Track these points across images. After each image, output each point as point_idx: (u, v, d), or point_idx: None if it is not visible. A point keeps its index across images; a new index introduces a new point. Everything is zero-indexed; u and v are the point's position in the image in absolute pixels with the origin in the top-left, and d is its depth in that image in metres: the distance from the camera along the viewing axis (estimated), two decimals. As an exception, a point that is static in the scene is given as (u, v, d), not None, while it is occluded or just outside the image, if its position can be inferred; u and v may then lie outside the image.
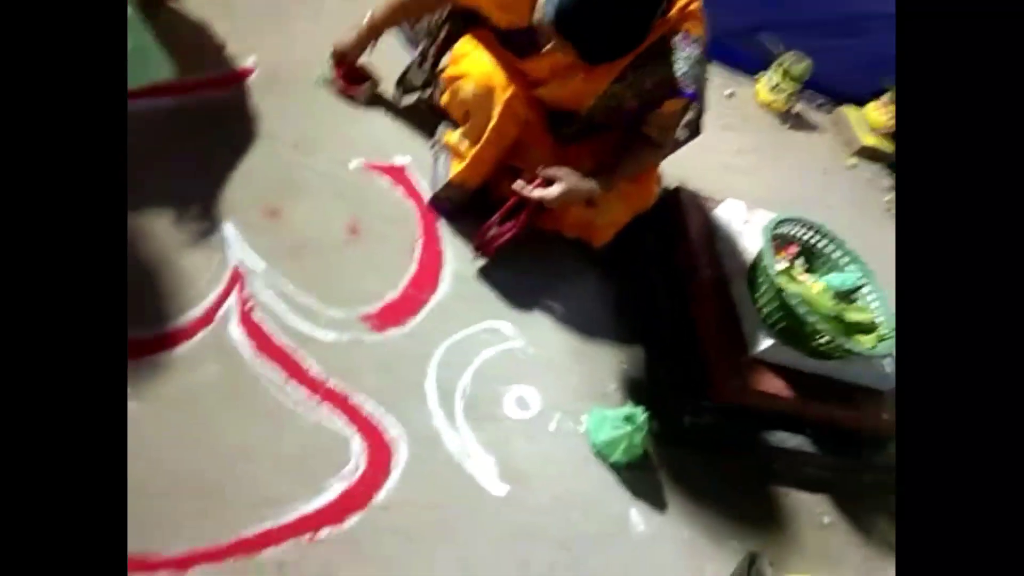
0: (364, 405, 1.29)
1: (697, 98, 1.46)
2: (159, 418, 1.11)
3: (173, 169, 1.39)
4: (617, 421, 1.43)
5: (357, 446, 1.23)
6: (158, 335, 1.18)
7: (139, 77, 1.26)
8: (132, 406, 1.09)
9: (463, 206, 1.63)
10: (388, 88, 1.77)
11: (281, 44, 1.72)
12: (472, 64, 1.47)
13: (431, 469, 1.27)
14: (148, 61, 1.26)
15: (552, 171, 1.44)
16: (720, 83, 2.64)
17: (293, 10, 1.83)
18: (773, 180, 2.45)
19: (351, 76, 1.70)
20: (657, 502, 1.46)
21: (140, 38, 1.22)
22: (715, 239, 1.77)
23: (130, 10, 1.20)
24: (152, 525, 1.02)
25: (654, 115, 1.45)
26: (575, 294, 1.70)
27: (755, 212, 1.80)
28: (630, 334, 1.70)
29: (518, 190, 1.46)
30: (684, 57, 1.37)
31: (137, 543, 0.98)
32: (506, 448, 1.37)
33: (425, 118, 1.73)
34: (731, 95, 2.66)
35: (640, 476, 1.47)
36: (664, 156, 1.60)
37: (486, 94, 1.43)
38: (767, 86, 2.68)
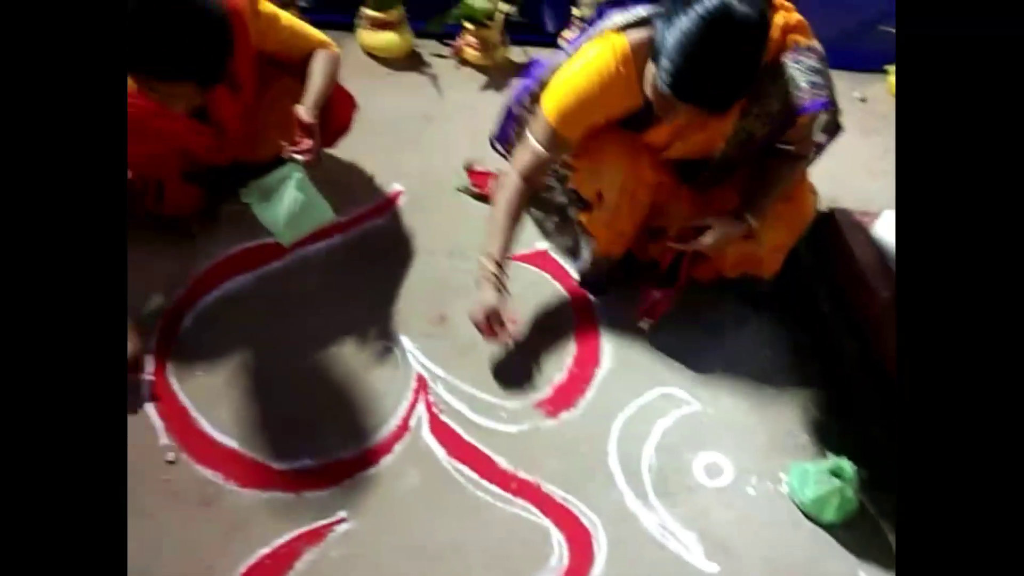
0: (555, 493, 1.31)
1: (829, 103, 1.40)
2: (375, 530, 1.20)
3: (347, 296, 1.54)
4: (822, 475, 1.33)
5: (557, 536, 1.25)
6: (362, 453, 1.29)
7: (308, 226, 1.44)
8: (352, 525, 1.19)
9: (610, 279, 1.65)
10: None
11: (420, 166, 1.89)
12: (596, 148, 1.48)
13: (634, 553, 1.25)
14: (315, 211, 1.43)
15: (699, 220, 1.43)
16: (847, 88, 2.49)
17: (425, 133, 2.02)
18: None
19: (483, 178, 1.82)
20: (888, 561, 1.32)
21: (307, 192, 1.40)
22: (886, 257, 1.64)
23: (297, 170, 1.38)
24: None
25: (789, 132, 1.41)
26: (743, 344, 1.64)
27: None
28: (812, 376, 1.60)
29: (673, 247, 1.45)
30: (801, 69, 1.33)
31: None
32: (706, 520, 1.32)
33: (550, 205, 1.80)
34: (863, 99, 2.51)
35: (862, 533, 1.34)
36: (809, 164, 1.52)
37: (614, 171, 1.46)
38: (901, 79, 2.49)
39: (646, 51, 1.23)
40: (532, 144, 1.39)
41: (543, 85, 1.44)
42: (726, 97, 1.19)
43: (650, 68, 1.20)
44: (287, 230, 1.40)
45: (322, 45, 1.48)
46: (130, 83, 1.21)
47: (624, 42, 1.27)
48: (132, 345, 1.30)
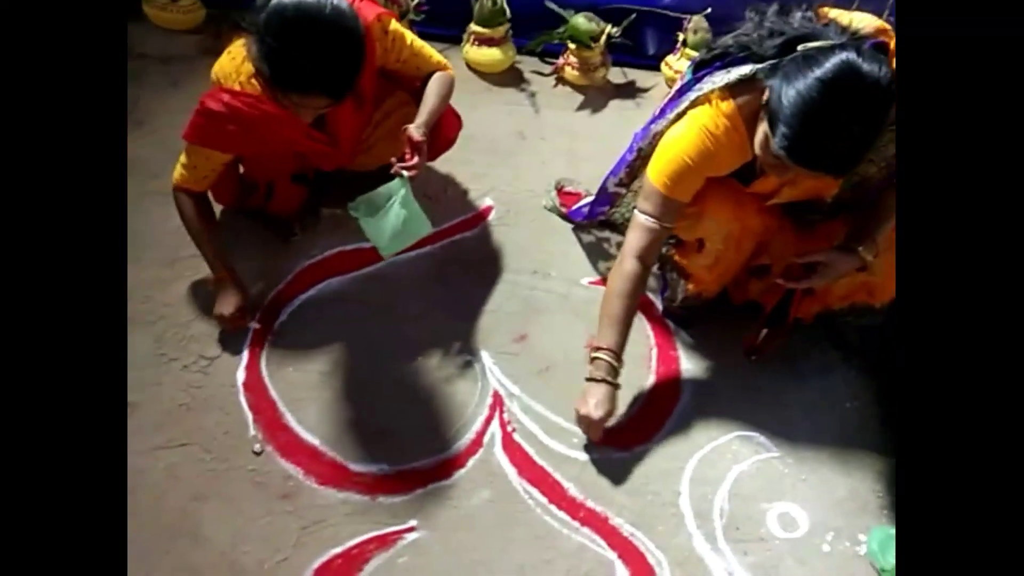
0: (622, 528, 1.29)
1: None
2: (443, 542, 1.23)
3: (435, 307, 1.58)
4: (906, 543, 1.26)
5: (622, 571, 1.24)
6: (437, 464, 1.32)
7: (409, 239, 1.48)
8: (421, 535, 1.22)
9: (700, 315, 1.63)
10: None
11: (511, 181, 1.92)
12: (700, 195, 1.38)
13: (699, 596, 1.23)
14: (416, 226, 1.48)
15: (809, 258, 1.37)
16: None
17: (518, 150, 2.04)
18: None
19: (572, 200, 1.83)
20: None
21: (410, 208, 1.45)
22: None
23: (403, 185, 1.43)
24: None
25: None
26: (829, 393, 1.58)
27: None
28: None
29: (785, 284, 1.40)
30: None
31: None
32: (776, 573, 1.28)
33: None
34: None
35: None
36: None
37: (719, 221, 1.41)
38: None
39: (755, 112, 1.17)
40: (642, 220, 1.33)
41: (641, 155, 1.42)
42: (848, 162, 1.11)
43: (762, 128, 1.15)
44: (390, 243, 1.45)
45: (441, 67, 1.52)
46: (255, 87, 1.29)
47: (732, 105, 1.21)
48: (239, 297, 1.41)
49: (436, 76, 1.50)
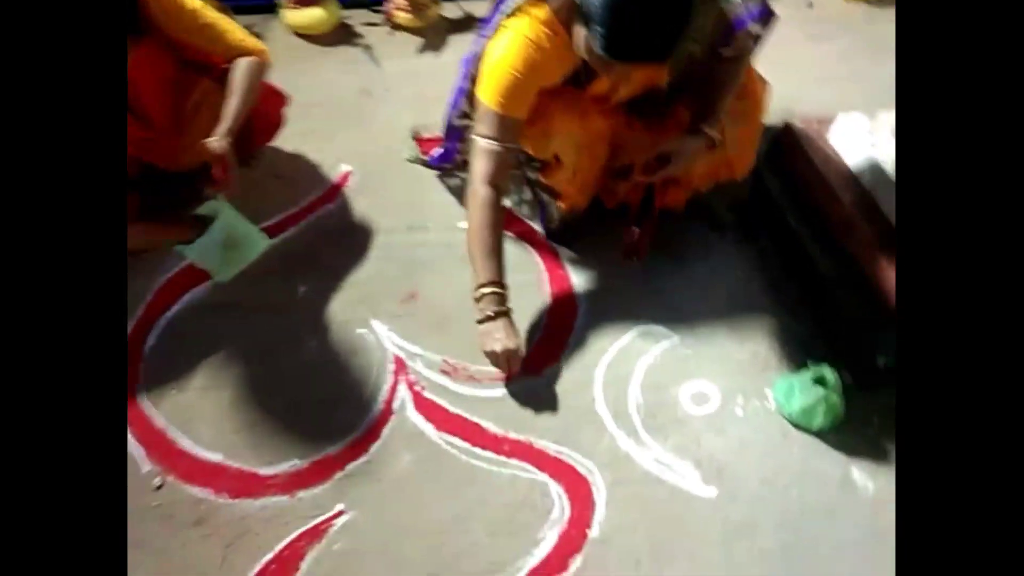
0: (548, 448, 1.31)
1: (764, 11, 1.34)
2: (375, 517, 1.21)
3: (312, 290, 1.52)
4: (806, 385, 1.35)
5: (556, 488, 1.26)
6: (350, 444, 1.29)
7: (244, 261, 1.44)
8: (351, 516, 1.20)
9: (578, 229, 1.63)
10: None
11: (365, 142, 1.84)
12: (543, 113, 1.38)
13: (633, 491, 1.27)
14: (247, 246, 1.42)
15: (660, 149, 1.39)
16: (793, -5, 2.45)
17: (366, 108, 1.96)
18: (884, 75, 2.21)
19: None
20: (878, 455, 1.35)
21: (237, 228, 1.38)
22: (844, 161, 1.63)
23: (222, 207, 1.35)
24: (403, 614, 1.11)
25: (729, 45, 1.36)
26: (713, 272, 1.64)
27: (878, 119, 1.64)
28: (785, 290, 1.61)
29: (642, 179, 1.42)
30: None
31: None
32: (699, 448, 1.34)
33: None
34: (810, 5, 2.46)
35: (849, 434, 1.37)
36: (750, 59, 1.46)
37: (566, 132, 1.40)
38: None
39: (570, 14, 1.16)
40: (484, 145, 1.29)
41: (474, 80, 1.37)
42: (665, 47, 1.11)
43: (579, 32, 1.13)
44: (222, 269, 1.39)
45: (244, 52, 1.40)
46: None
47: (547, 10, 1.20)
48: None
49: (239, 66, 1.38)
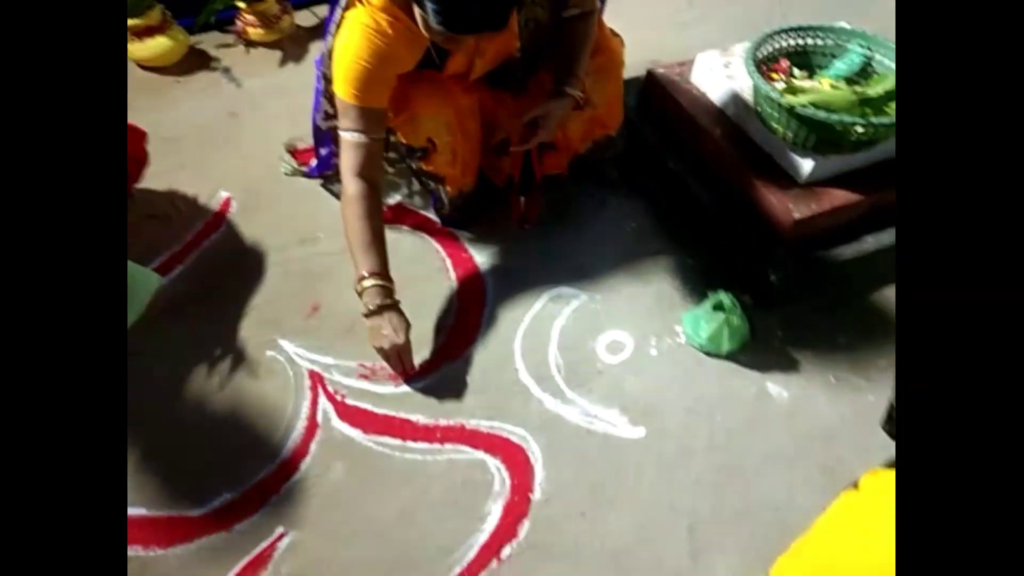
0: (480, 426, 1.33)
1: None
2: (318, 532, 1.19)
3: (211, 321, 1.47)
4: (708, 313, 1.42)
5: (493, 462, 1.28)
6: (279, 466, 1.26)
7: (142, 300, 1.37)
8: (293, 537, 1.18)
9: (472, 210, 1.65)
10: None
11: (241, 165, 1.79)
12: (405, 99, 1.40)
13: (567, 447, 1.30)
14: (140, 284, 1.35)
15: (528, 116, 1.41)
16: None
17: (235, 131, 1.90)
18: (733, 13, 2.33)
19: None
20: (787, 366, 1.44)
21: (131, 272, 1.31)
22: (709, 98, 1.71)
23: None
24: (364, 619, 1.10)
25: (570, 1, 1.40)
26: (607, 227, 1.69)
27: (731, 53, 1.73)
28: (681, 233, 1.68)
29: (517, 149, 1.45)
30: None
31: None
32: (622, 393, 1.39)
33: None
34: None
35: (758, 352, 1.45)
36: (598, 14, 1.50)
37: (433, 114, 1.41)
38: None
39: None
40: (349, 138, 1.27)
41: (329, 79, 1.35)
42: (500, 12, 1.13)
43: (417, 12, 1.13)
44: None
45: None
46: None
47: None
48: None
49: None
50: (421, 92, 1.37)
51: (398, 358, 1.34)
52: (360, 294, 1.31)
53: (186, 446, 1.28)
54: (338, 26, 1.25)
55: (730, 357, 1.44)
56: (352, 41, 1.21)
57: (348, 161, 1.29)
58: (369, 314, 1.31)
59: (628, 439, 1.32)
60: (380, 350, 1.32)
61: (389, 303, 1.32)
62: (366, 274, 1.29)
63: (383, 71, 1.24)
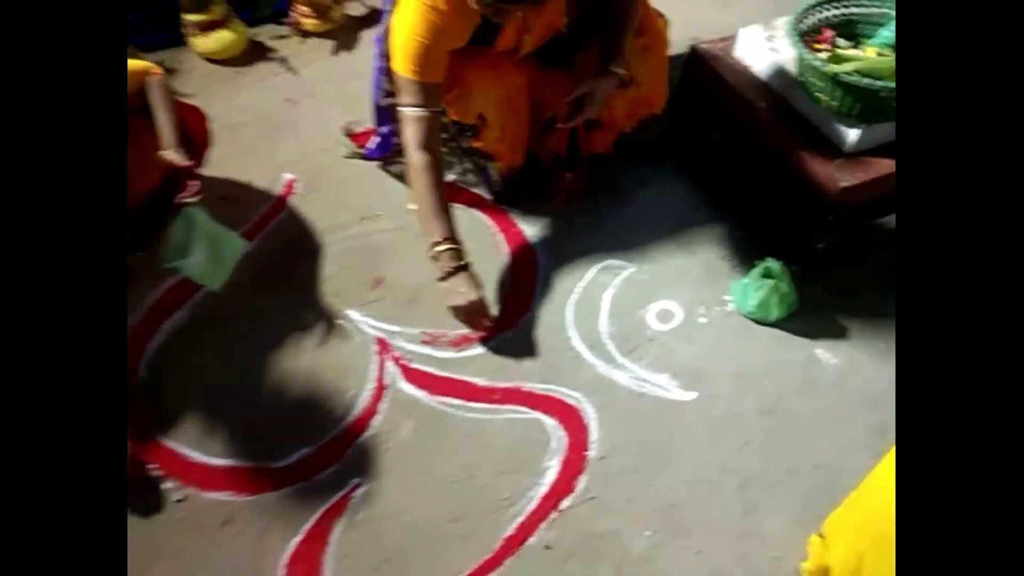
0: (535, 388, 1.40)
1: None
2: (389, 483, 1.28)
3: (283, 294, 1.57)
4: (757, 281, 1.46)
5: (550, 422, 1.35)
6: (351, 424, 1.35)
7: (230, 263, 1.47)
8: (367, 487, 1.27)
9: (522, 186, 1.71)
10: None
11: (301, 149, 1.89)
12: (458, 76, 1.48)
13: (621, 408, 1.37)
14: (229, 247, 1.46)
15: (573, 93, 1.47)
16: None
17: (294, 117, 2.00)
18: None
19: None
20: (836, 332, 1.47)
21: (212, 232, 1.42)
22: (753, 72, 1.74)
23: (197, 214, 1.39)
24: (435, 564, 1.19)
25: None
26: (653, 201, 1.74)
27: (774, 26, 1.75)
28: (727, 206, 1.71)
29: (563, 126, 1.50)
30: None
31: (432, 581, 1.16)
32: (672, 360, 1.44)
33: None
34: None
35: (806, 318, 1.48)
36: None
37: (484, 90, 1.48)
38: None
39: None
40: (409, 112, 1.35)
41: (387, 56, 1.43)
42: None
43: None
44: (214, 276, 1.43)
45: (141, 73, 1.44)
46: None
47: None
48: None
49: (149, 87, 1.43)
50: (473, 69, 1.45)
51: (476, 315, 1.41)
52: (436, 259, 1.39)
53: (265, 406, 1.39)
54: (395, 3, 1.32)
55: (779, 325, 1.48)
56: (409, 19, 1.29)
57: (411, 135, 1.37)
58: (445, 277, 1.39)
59: (679, 402, 1.38)
60: (457, 310, 1.40)
61: (463, 264, 1.40)
62: (440, 239, 1.37)
63: (438, 46, 1.31)
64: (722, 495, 1.26)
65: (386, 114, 1.65)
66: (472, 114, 1.52)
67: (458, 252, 1.40)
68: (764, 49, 1.70)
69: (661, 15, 1.63)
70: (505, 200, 1.74)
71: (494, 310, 1.50)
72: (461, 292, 1.39)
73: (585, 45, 1.55)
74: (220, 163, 1.82)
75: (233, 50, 2.19)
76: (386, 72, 1.51)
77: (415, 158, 1.38)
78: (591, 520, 1.23)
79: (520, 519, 1.23)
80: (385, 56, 1.46)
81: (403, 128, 1.40)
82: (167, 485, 1.28)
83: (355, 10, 2.40)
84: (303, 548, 1.20)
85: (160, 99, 1.41)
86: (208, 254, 1.41)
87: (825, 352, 1.45)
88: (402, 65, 1.32)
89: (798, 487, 1.27)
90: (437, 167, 1.40)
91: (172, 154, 1.35)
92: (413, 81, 1.33)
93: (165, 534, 1.23)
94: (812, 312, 1.50)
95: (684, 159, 1.82)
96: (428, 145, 1.38)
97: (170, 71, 2.10)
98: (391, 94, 1.54)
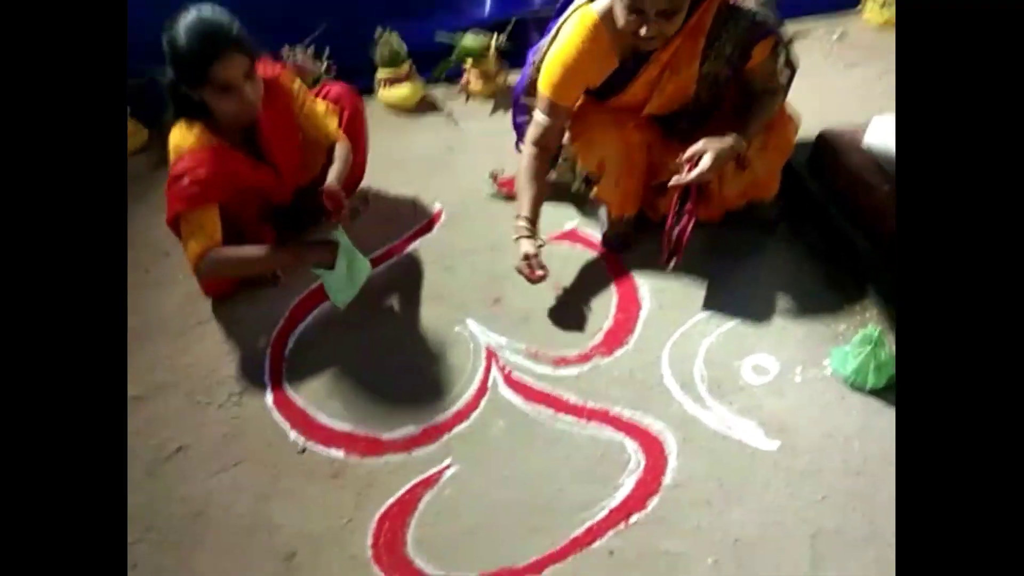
0: (623, 413, 1.50)
1: (775, 31, 1.57)
2: (477, 469, 1.42)
3: (415, 300, 1.81)
4: (856, 348, 1.48)
5: (631, 445, 1.44)
6: (454, 413, 1.53)
7: (356, 285, 1.73)
8: (457, 469, 1.42)
9: (631, 237, 1.87)
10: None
11: (453, 186, 2.17)
12: (586, 126, 1.72)
13: (702, 445, 1.43)
14: (358, 269, 1.73)
15: (692, 148, 1.58)
16: (824, 31, 2.67)
17: (451, 161, 2.30)
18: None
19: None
20: (935, 409, 1.44)
21: (351, 256, 1.70)
22: (878, 158, 1.79)
23: (342, 234, 1.69)
24: (503, 546, 1.30)
25: (749, 71, 1.61)
26: (765, 265, 1.81)
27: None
28: (833, 275, 1.75)
29: (676, 183, 1.62)
30: (747, 9, 1.53)
31: (495, 563, 1.27)
32: (761, 410, 1.48)
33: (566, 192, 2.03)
34: (840, 35, 2.66)
35: (905, 390, 1.47)
36: (780, 101, 1.68)
37: (607, 140, 1.69)
38: (877, 5, 2.64)
39: (611, 14, 1.50)
40: (538, 117, 1.68)
41: (537, 68, 1.73)
42: None
43: (616, 9, 1.47)
44: (346, 291, 1.70)
45: (336, 137, 1.84)
46: (204, 142, 1.55)
47: (593, 15, 1.55)
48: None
49: (339, 146, 1.83)
50: (601, 121, 1.70)
51: (528, 264, 1.64)
52: (515, 226, 1.69)
53: (384, 386, 1.60)
54: (558, 30, 1.64)
55: (875, 393, 1.48)
56: (562, 48, 1.60)
57: (532, 133, 1.70)
58: (517, 238, 1.68)
59: (762, 448, 1.41)
60: (518, 268, 1.66)
61: (528, 234, 1.67)
62: (519, 215, 1.69)
63: (577, 77, 1.62)
64: (791, 542, 1.27)
65: (524, 108, 1.93)
66: (594, 160, 1.74)
67: (528, 227, 1.67)
68: (893, 138, 1.76)
69: (795, 117, 1.74)
70: (613, 246, 1.89)
71: (586, 343, 1.66)
72: (522, 249, 1.66)
73: (707, 122, 1.71)
74: (387, 189, 2.14)
75: (410, 102, 2.57)
76: (531, 78, 1.81)
77: (527, 150, 1.70)
78: (657, 538, 1.29)
79: (589, 523, 1.32)
80: (535, 66, 1.77)
81: (529, 128, 1.71)
82: (292, 437, 1.51)
83: (515, 79, 2.73)
84: (393, 509, 1.36)
85: (342, 156, 1.82)
86: (345, 271, 1.68)
87: (927, 433, 1.42)
88: (544, 85, 1.65)
89: (872, 554, 1.25)
90: (542, 160, 1.70)
91: (331, 184, 1.70)
92: (548, 98, 1.64)
93: (286, 476, 1.44)
94: (916, 390, 1.49)
95: (801, 232, 1.88)
96: (541, 143, 1.69)
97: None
98: (530, 95, 1.82)
